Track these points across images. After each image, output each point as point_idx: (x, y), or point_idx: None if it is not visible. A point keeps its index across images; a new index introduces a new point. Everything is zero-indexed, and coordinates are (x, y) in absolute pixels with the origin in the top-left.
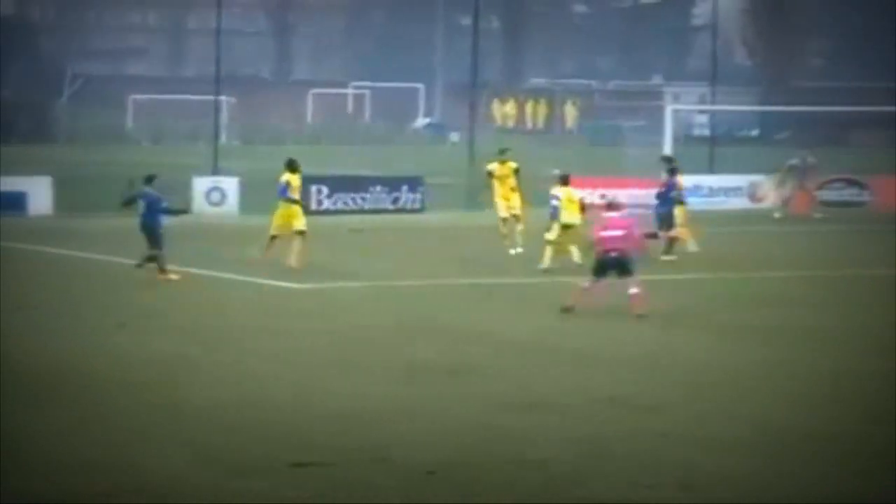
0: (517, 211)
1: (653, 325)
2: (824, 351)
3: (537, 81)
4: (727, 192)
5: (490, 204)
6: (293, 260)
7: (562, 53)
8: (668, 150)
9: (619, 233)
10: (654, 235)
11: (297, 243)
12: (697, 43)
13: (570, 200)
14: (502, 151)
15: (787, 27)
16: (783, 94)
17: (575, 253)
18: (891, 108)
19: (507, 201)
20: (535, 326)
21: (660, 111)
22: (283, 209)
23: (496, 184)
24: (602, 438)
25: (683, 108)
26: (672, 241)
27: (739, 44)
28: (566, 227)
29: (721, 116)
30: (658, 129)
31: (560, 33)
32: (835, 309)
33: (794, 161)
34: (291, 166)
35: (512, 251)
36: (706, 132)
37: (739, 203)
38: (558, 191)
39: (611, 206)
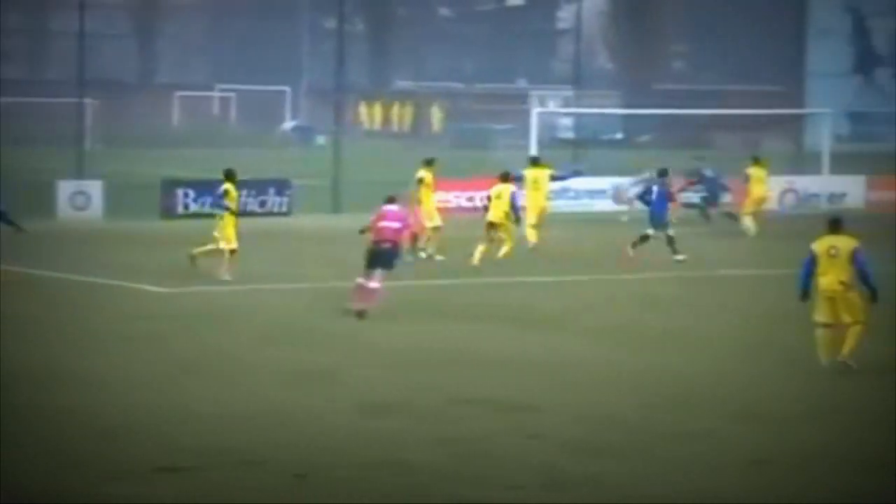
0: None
1: (518, 328)
2: (692, 352)
3: (403, 84)
4: (592, 194)
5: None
6: (226, 274)
7: (427, 56)
8: (533, 152)
9: (395, 224)
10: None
11: (228, 258)
12: (562, 46)
13: (499, 197)
14: (429, 162)
15: (648, 30)
16: (646, 96)
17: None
18: (751, 111)
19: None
20: (401, 329)
21: (525, 114)
22: (227, 220)
23: (425, 192)
24: (468, 440)
25: (548, 111)
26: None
27: (603, 47)
28: (491, 225)
29: (585, 119)
30: (524, 132)
31: (425, 36)
32: (700, 310)
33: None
34: (230, 175)
35: (423, 255)
36: (571, 135)
37: (604, 205)
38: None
39: (390, 199)
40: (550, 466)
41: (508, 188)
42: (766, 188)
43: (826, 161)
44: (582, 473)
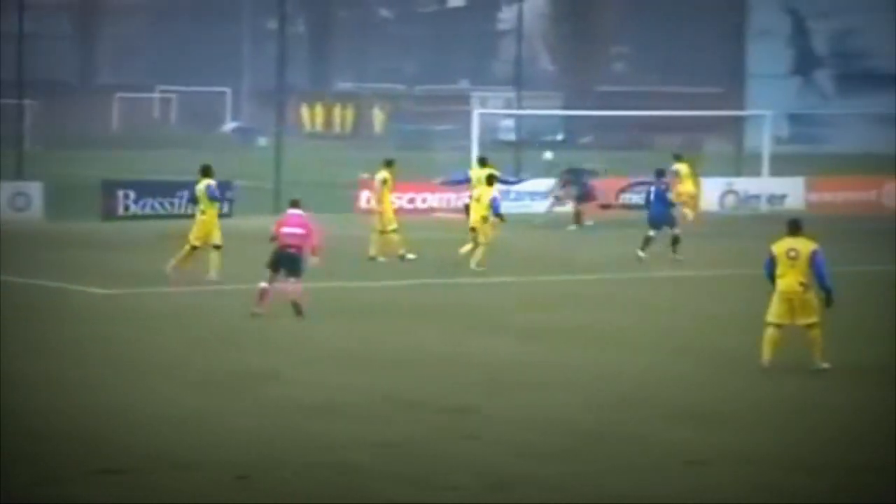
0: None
1: (454, 328)
2: (632, 352)
3: (344, 86)
4: (532, 195)
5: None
6: (213, 273)
7: (368, 58)
8: (475, 154)
9: (298, 230)
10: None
11: (214, 256)
12: (503, 47)
13: (478, 200)
14: (389, 163)
15: (589, 32)
16: (587, 98)
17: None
18: (691, 112)
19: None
20: (344, 330)
21: (467, 115)
22: (203, 219)
23: (385, 192)
24: (410, 441)
25: (490, 113)
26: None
27: (544, 48)
28: (472, 230)
29: (527, 120)
30: (465, 133)
31: (366, 38)
32: (642, 310)
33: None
34: (206, 172)
35: (382, 259)
36: (512, 136)
37: (545, 207)
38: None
39: (294, 203)
40: (490, 467)
41: (489, 191)
42: (693, 183)
43: (766, 162)
44: (521, 474)
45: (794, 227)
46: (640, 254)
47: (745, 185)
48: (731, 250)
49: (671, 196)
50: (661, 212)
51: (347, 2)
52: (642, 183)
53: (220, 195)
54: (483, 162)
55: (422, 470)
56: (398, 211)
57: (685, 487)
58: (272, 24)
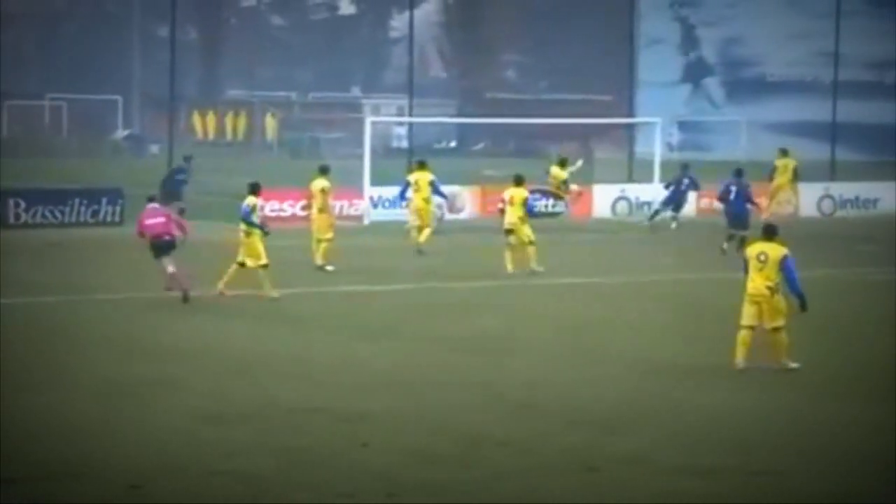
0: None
1: (345, 335)
2: (528, 358)
3: (236, 93)
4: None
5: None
6: (271, 291)
7: (260, 65)
8: (367, 160)
9: (160, 219)
10: None
11: (263, 275)
12: (395, 55)
13: (512, 203)
14: (324, 170)
15: (480, 40)
16: (479, 105)
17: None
18: (582, 120)
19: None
20: (242, 338)
21: (359, 123)
22: (247, 237)
23: (326, 200)
24: (304, 448)
25: (382, 120)
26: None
27: (436, 56)
28: (508, 231)
29: (419, 128)
30: (358, 141)
31: (258, 45)
32: (536, 317)
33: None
34: (254, 189)
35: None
36: (405, 144)
37: (438, 213)
38: (507, 193)
39: (150, 198)
40: (385, 474)
41: (522, 192)
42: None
43: (657, 169)
44: (415, 480)
45: (769, 232)
46: (725, 246)
47: (637, 191)
48: (626, 257)
49: (751, 196)
50: (741, 212)
51: (239, 10)
52: (537, 191)
53: (246, 216)
54: (422, 165)
55: (316, 477)
56: (290, 218)
57: (578, 492)
58: (163, 32)
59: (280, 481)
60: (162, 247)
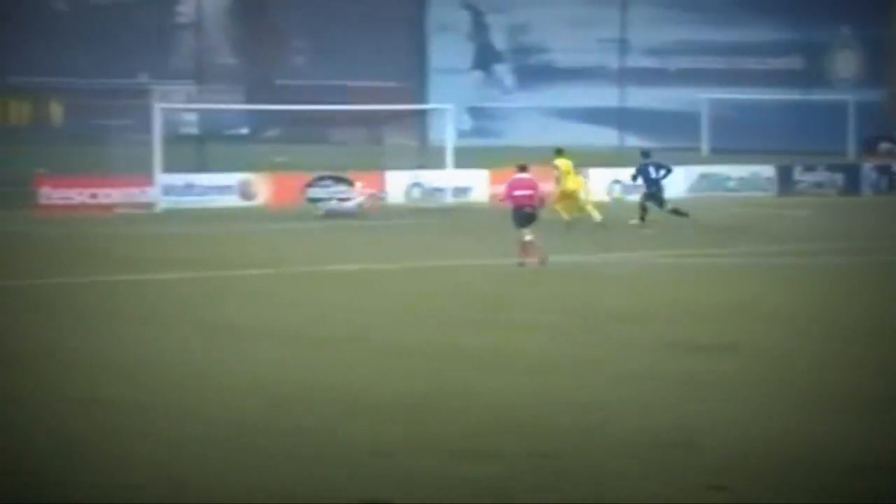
0: None
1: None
2: (312, 348)
3: (19, 80)
4: (219, 190)
5: None
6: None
7: (43, 51)
8: (157, 148)
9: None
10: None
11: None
12: (183, 41)
13: (568, 171)
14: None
15: (269, 26)
16: (269, 91)
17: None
18: (373, 107)
19: None
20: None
21: (147, 109)
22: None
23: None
24: (81, 442)
25: (171, 107)
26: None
27: (225, 42)
28: (567, 194)
29: (209, 114)
30: (147, 128)
31: (40, 30)
32: (312, 306)
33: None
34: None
35: None
36: (195, 130)
37: (231, 201)
38: (559, 162)
39: None
40: (166, 464)
41: (568, 162)
42: (573, 181)
43: (450, 156)
44: (194, 469)
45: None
46: (635, 222)
47: (431, 177)
48: (414, 242)
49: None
50: (657, 191)
51: None
52: (326, 178)
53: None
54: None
55: (100, 469)
56: (80, 206)
57: (370, 478)
58: None
59: (58, 479)
60: None
